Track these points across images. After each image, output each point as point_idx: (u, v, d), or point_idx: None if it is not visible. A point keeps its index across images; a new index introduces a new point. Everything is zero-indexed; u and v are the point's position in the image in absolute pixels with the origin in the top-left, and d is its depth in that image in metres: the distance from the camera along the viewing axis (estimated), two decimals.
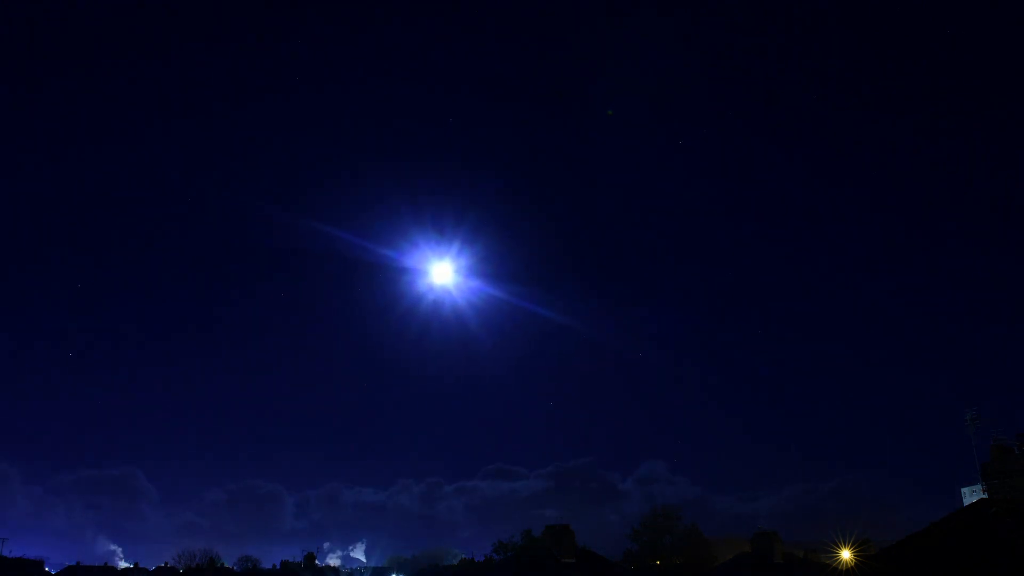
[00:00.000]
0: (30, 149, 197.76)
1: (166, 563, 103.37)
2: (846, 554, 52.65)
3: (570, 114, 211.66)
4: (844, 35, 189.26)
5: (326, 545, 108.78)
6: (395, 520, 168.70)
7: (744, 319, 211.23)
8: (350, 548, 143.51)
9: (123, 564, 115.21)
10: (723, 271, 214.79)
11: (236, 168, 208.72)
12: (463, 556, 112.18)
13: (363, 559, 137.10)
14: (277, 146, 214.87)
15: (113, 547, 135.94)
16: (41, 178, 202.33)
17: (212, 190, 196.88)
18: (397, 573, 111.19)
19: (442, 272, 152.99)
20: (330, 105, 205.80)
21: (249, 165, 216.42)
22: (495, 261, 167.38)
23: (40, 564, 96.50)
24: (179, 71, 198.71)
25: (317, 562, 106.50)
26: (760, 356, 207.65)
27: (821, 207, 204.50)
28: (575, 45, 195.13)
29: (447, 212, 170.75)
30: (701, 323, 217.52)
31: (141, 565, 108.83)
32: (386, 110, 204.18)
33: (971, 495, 53.10)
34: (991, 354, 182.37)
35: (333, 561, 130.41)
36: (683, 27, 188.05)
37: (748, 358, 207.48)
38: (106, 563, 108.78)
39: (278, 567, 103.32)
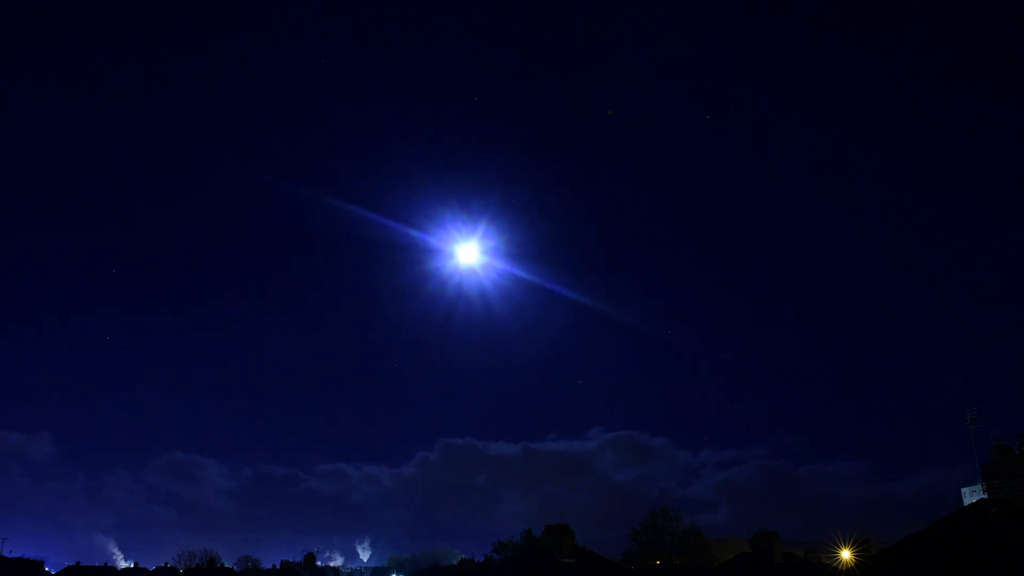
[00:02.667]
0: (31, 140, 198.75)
1: (166, 563, 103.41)
2: (846, 554, 52.44)
3: (590, 105, 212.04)
4: (844, 35, 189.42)
5: (317, 549, 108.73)
6: (409, 499, 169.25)
7: (743, 319, 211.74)
8: (356, 543, 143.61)
9: (123, 564, 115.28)
10: (728, 267, 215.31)
11: (261, 148, 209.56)
12: (463, 556, 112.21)
13: (363, 559, 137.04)
14: (303, 127, 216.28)
15: (114, 548, 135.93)
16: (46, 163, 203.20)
17: (238, 170, 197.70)
18: (397, 573, 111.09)
19: (468, 252, 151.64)
20: (356, 87, 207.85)
21: (274, 145, 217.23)
22: (521, 242, 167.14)
23: (40, 564, 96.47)
24: (209, 52, 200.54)
25: (318, 563, 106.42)
26: (760, 355, 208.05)
27: (822, 206, 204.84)
28: (577, 44, 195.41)
29: (473, 191, 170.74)
30: (717, 314, 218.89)
31: (141, 565, 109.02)
32: (410, 92, 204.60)
33: (971, 495, 52.95)
34: (991, 354, 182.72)
35: (334, 561, 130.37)
36: (683, 26, 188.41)
37: (748, 357, 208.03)
38: (106, 563, 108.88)
39: (278, 567, 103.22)
